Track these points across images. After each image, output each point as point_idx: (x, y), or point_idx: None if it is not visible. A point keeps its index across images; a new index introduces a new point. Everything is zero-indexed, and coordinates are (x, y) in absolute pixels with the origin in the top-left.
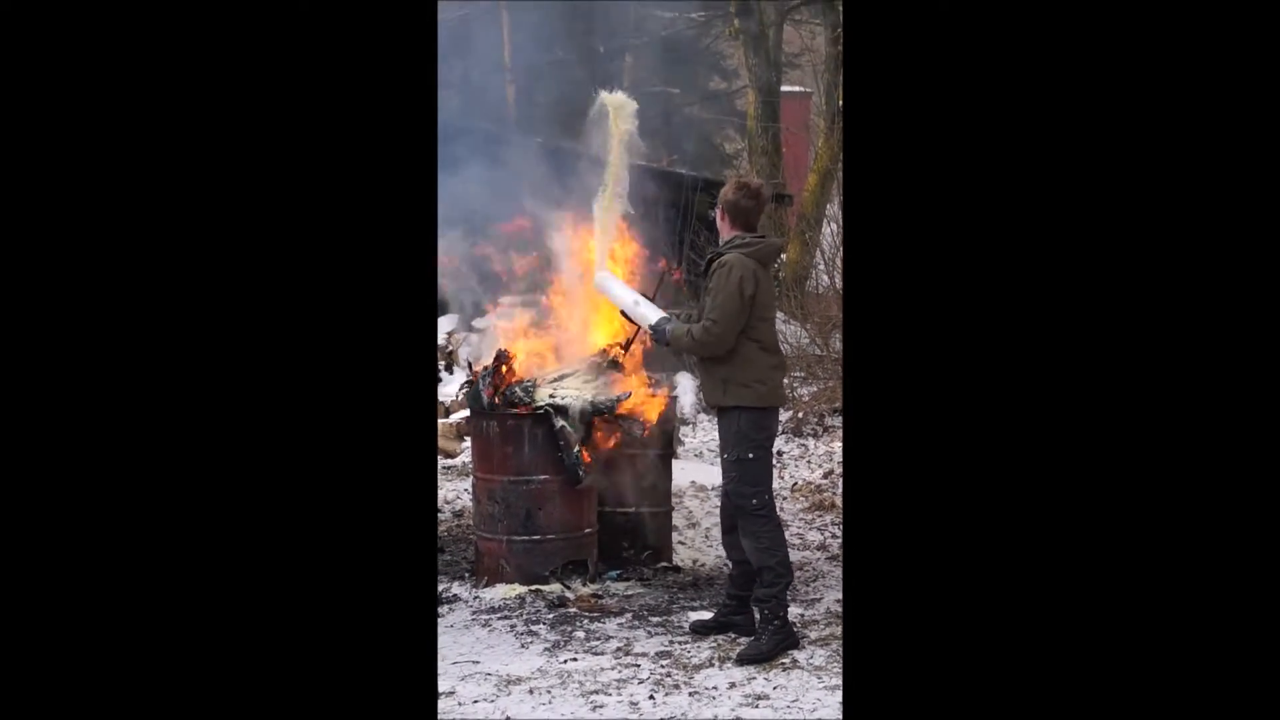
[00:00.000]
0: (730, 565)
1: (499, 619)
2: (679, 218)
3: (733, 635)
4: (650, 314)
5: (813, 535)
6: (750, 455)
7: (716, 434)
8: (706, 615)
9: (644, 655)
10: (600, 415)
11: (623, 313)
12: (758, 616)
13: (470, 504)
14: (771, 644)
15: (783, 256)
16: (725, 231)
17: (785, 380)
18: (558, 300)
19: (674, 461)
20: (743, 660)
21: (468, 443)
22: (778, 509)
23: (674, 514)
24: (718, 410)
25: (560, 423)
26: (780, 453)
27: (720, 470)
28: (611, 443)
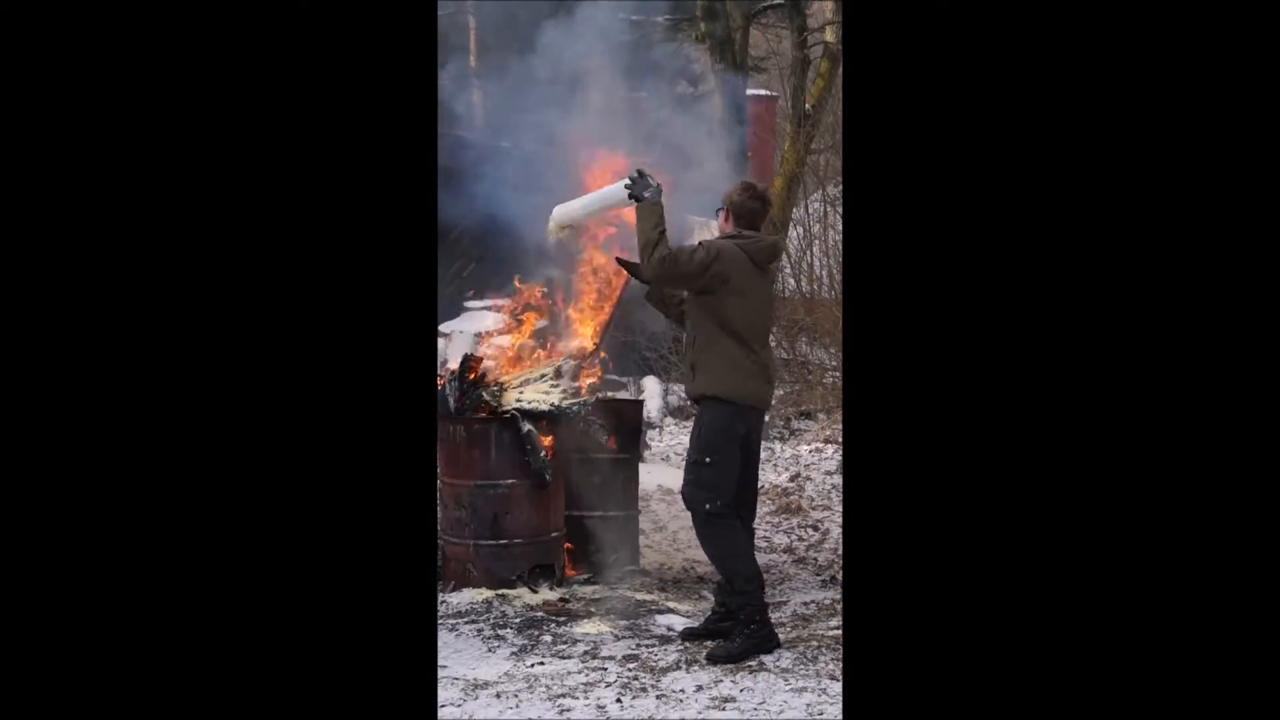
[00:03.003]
0: (719, 573)
1: (466, 623)
2: None
3: (715, 642)
4: (616, 187)
5: (779, 538)
6: (708, 460)
7: (682, 438)
8: (676, 619)
9: (611, 659)
10: (565, 419)
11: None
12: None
13: (437, 508)
14: (743, 646)
15: None
16: (723, 229)
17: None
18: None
19: (641, 465)
20: (712, 660)
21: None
22: None
23: (641, 518)
24: (696, 404)
25: (526, 426)
26: None
27: None
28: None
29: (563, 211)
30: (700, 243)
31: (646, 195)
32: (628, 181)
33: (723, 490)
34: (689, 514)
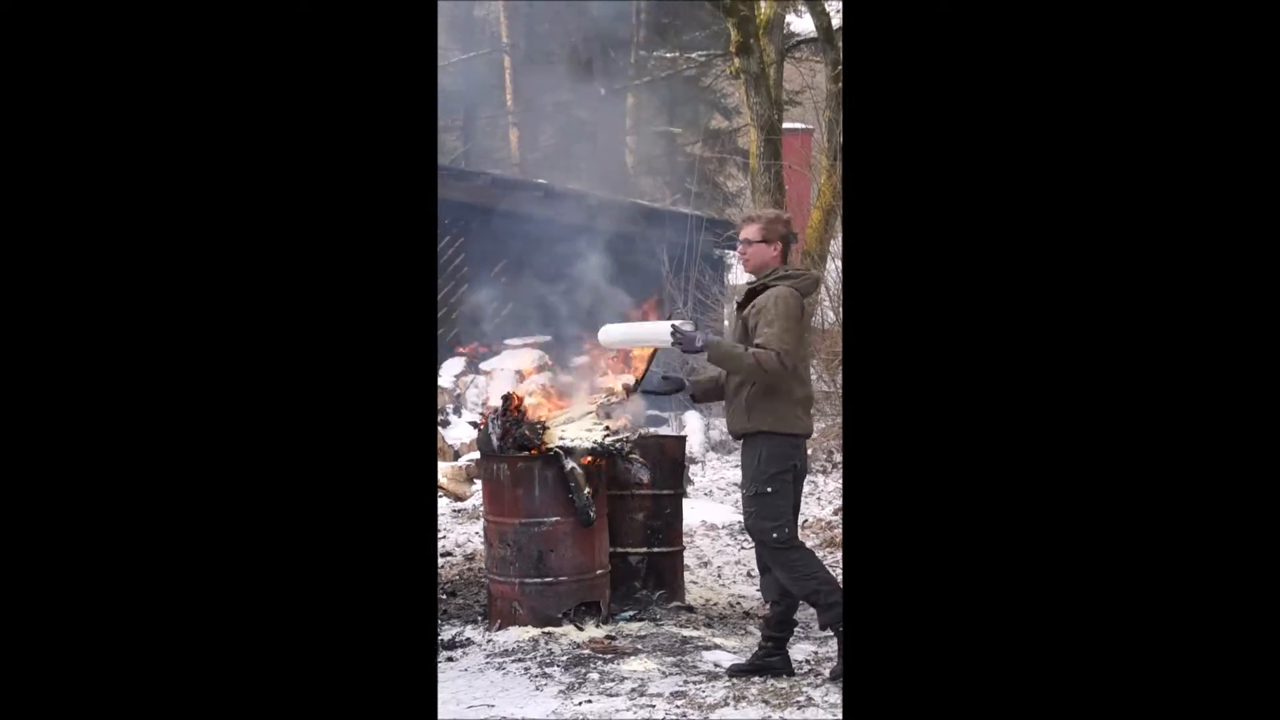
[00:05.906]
0: (767, 607)
1: (512, 662)
2: (685, 255)
3: (763, 678)
4: (662, 327)
5: None
6: (769, 489)
7: (725, 473)
8: (723, 655)
9: (659, 696)
10: (606, 457)
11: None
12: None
13: (482, 547)
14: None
15: None
16: (770, 261)
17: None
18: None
19: (685, 501)
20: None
21: (478, 485)
22: None
23: (686, 553)
24: (742, 440)
25: (570, 464)
26: None
27: (735, 507)
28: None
29: (609, 334)
30: (774, 317)
31: (699, 346)
32: (673, 333)
33: (786, 517)
34: (732, 549)
